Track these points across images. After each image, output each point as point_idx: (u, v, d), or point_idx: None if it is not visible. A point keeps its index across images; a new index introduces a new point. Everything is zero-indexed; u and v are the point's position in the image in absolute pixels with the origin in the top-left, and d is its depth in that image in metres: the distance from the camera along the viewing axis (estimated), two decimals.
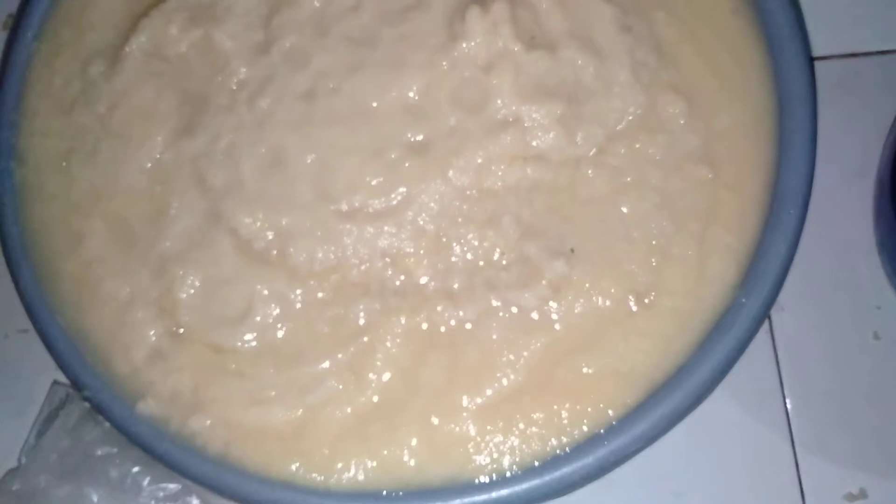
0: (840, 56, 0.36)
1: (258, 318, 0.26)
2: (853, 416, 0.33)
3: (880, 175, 0.30)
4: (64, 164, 0.29)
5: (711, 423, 0.31)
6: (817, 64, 0.36)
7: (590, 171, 0.27)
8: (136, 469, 0.34)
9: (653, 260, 0.26)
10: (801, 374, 0.33)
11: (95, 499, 0.33)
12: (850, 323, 0.33)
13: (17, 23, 0.30)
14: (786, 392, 0.32)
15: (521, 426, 0.25)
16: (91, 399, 0.27)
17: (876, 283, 0.33)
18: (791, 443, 0.32)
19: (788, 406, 0.32)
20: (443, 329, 0.26)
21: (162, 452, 0.26)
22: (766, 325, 0.33)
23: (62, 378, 0.34)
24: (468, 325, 0.26)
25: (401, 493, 0.25)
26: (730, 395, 0.32)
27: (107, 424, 0.32)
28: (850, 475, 0.33)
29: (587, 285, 0.26)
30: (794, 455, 0.33)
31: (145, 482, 0.34)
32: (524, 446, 0.25)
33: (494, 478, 0.24)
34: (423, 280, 0.26)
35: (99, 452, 0.34)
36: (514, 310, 0.26)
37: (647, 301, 0.26)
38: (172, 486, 0.34)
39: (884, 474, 0.34)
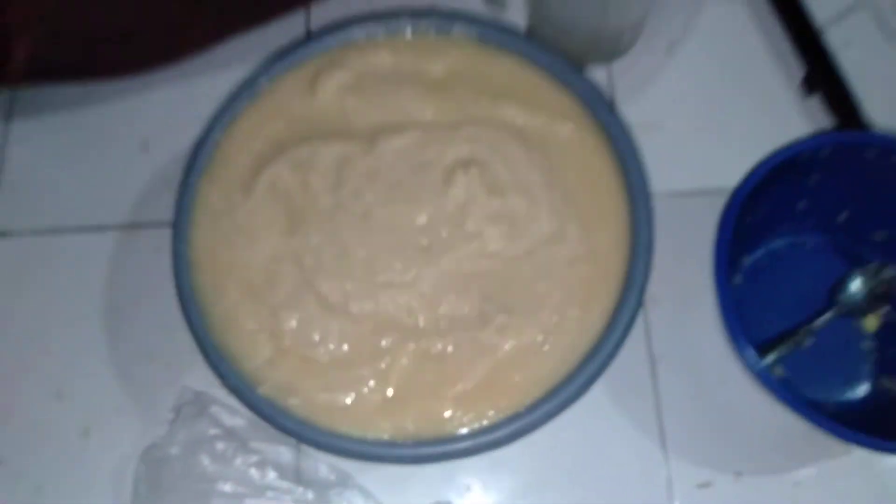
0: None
1: (330, 344, 0.46)
2: (708, 423, 0.53)
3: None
4: (214, 249, 0.49)
5: (595, 421, 0.51)
6: (661, 198, 0.57)
7: (522, 264, 0.48)
8: (234, 445, 0.52)
9: (555, 317, 0.46)
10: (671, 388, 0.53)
11: (206, 462, 0.52)
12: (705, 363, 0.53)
13: (190, 166, 0.51)
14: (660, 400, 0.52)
15: (477, 408, 0.45)
16: (230, 386, 0.46)
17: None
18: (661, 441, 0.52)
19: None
20: (433, 352, 0.46)
21: (269, 416, 0.45)
22: (644, 344, 0.53)
23: (189, 384, 0.53)
24: (449, 349, 0.46)
25: (408, 442, 0.44)
26: (612, 402, 0.51)
27: (215, 415, 0.51)
28: (701, 469, 0.52)
29: (518, 329, 0.46)
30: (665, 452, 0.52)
31: (239, 453, 0.52)
32: (478, 418, 0.44)
33: (462, 433, 0.44)
34: (422, 323, 0.46)
35: (210, 432, 0.53)
36: (475, 342, 0.46)
37: (551, 339, 0.46)
38: (255, 458, 0.52)
39: (724, 469, 0.53)
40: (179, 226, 0.49)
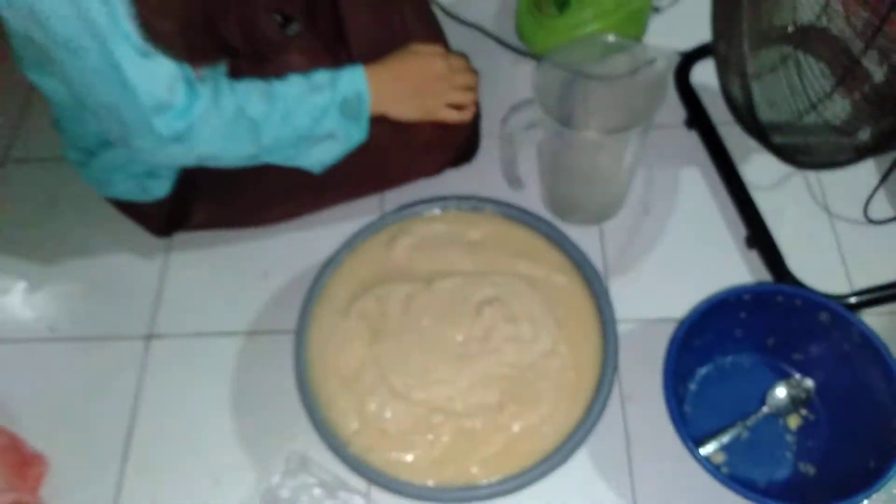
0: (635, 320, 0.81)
1: (397, 421, 0.69)
2: (671, 486, 0.72)
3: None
4: (321, 353, 0.73)
5: (580, 483, 0.71)
6: (638, 322, 0.80)
7: (528, 371, 0.70)
8: (326, 491, 0.74)
9: (550, 407, 0.68)
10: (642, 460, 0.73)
11: (306, 503, 0.73)
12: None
13: (308, 296, 0.76)
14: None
15: (495, 467, 0.66)
16: (329, 445, 0.68)
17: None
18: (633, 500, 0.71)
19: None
20: (466, 427, 0.68)
21: (355, 468, 0.67)
22: (622, 428, 0.74)
23: (295, 448, 0.76)
24: (477, 426, 0.68)
25: (448, 488, 0.65)
26: (595, 469, 0.72)
27: (313, 470, 0.73)
28: None
29: (525, 415, 0.68)
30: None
31: (329, 498, 0.74)
32: (496, 474, 0.66)
33: (484, 483, 0.65)
34: (459, 408, 0.69)
35: (309, 481, 0.74)
36: (495, 423, 0.68)
37: (548, 422, 0.68)
38: (340, 501, 0.74)
39: None
40: (300, 336, 0.73)
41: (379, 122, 0.75)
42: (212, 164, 0.70)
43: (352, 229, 0.81)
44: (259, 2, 0.73)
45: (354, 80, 0.72)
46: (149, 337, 0.87)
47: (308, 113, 0.69)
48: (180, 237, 0.93)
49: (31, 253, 0.95)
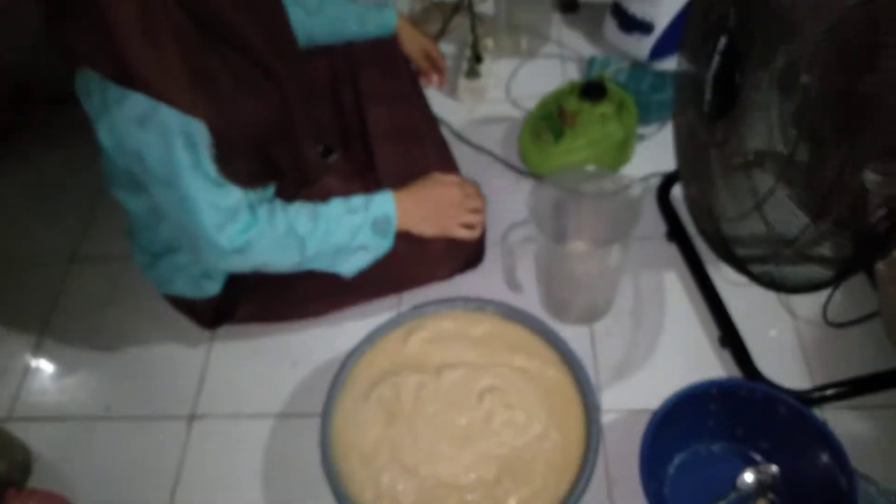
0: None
1: (408, 493, 0.79)
2: None
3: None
4: (343, 433, 0.84)
5: None
6: (623, 412, 0.90)
7: (522, 451, 0.81)
8: None
9: (540, 483, 0.78)
10: None
11: None
12: None
13: (333, 384, 0.88)
14: None
15: None
16: None
17: None
18: None
19: None
20: (468, 499, 0.78)
21: None
22: (605, 495, 0.83)
23: None
24: (477, 498, 0.78)
25: None
26: None
27: None
28: None
29: (519, 490, 0.79)
30: None
31: None
32: None
33: None
34: (462, 482, 0.79)
35: None
36: (493, 496, 0.78)
37: (538, 497, 0.78)
38: None
39: None
40: (325, 417, 0.85)
41: (400, 237, 0.90)
42: (264, 270, 0.84)
43: (373, 325, 0.94)
44: (306, 136, 0.90)
45: (384, 204, 0.88)
46: (191, 417, 0.99)
47: (345, 230, 0.85)
48: (223, 329, 1.06)
49: (92, 339, 1.09)
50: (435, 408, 0.84)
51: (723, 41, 0.82)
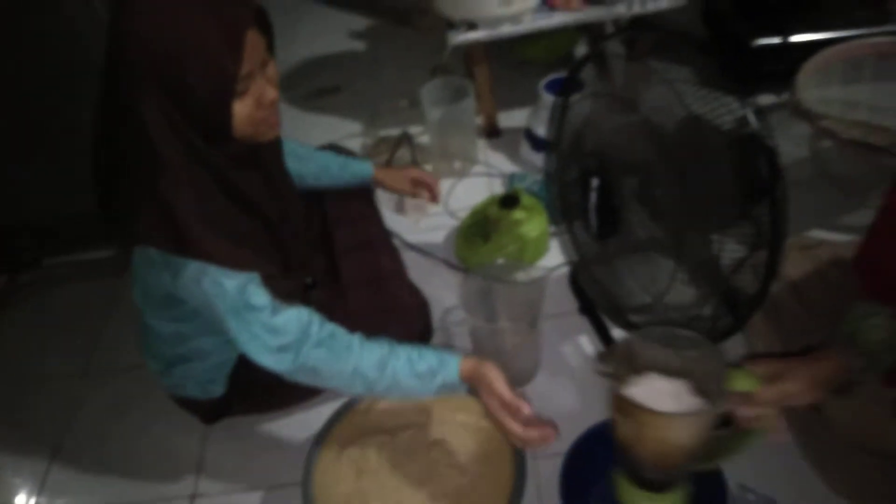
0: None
1: None
2: None
3: None
4: (322, 485, 1.04)
5: None
6: (543, 460, 1.11)
7: (465, 488, 1.01)
8: None
9: None
10: None
11: None
12: None
13: (309, 457, 1.08)
14: None
15: None
16: None
17: None
18: None
19: None
20: None
21: None
22: None
23: None
24: None
25: None
26: None
27: None
28: None
29: None
30: None
31: None
32: None
33: None
34: None
35: None
36: None
37: None
38: None
39: None
40: (306, 478, 1.04)
41: (353, 319, 1.08)
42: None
43: (341, 403, 1.15)
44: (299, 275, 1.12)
45: (451, 378, 0.93)
46: (193, 497, 1.18)
47: (412, 389, 0.93)
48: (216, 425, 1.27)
49: (103, 438, 1.29)
50: (394, 461, 1.05)
51: (595, 181, 1.07)
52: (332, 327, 0.93)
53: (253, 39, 0.79)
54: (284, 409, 1.25)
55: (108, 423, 1.32)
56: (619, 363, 0.82)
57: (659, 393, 0.80)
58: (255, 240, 0.94)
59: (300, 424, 1.23)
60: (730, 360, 0.98)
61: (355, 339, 0.93)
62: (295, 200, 1.07)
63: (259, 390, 1.16)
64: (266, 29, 0.85)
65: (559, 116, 1.16)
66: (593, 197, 1.08)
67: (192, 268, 0.84)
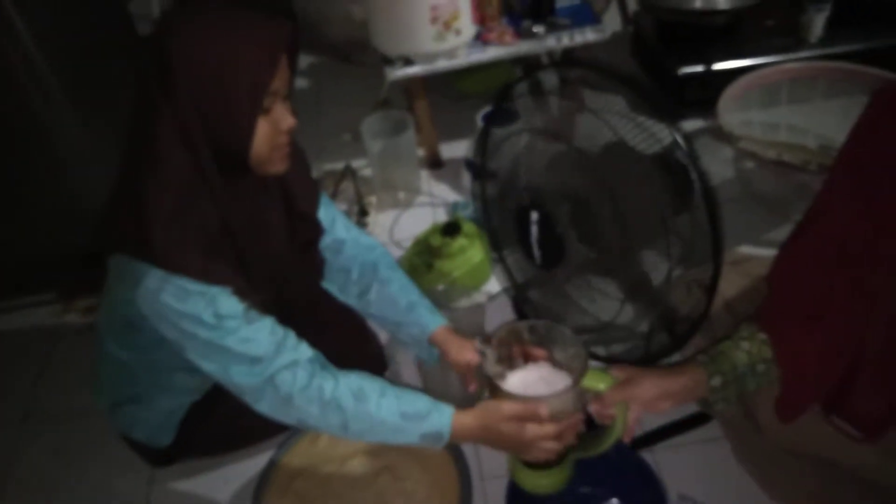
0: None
1: None
2: None
3: None
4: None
5: None
6: (492, 480, 1.12)
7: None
8: None
9: None
10: None
11: None
12: None
13: (259, 481, 1.07)
14: None
15: None
16: None
17: None
18: None
19: None
20: None
21: None
22: None
23: None
24: None
25: None
26: None
27: None
28: None
29: None
30: None
31: None
32: None
33: None
34: None
35: None
36: None
37: None
38: None
39: None
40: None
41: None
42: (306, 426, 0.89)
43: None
44: None
45: (440, 421, 0.87)
46: None
47: (391, 431, 0.87)
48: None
49: (45, 485, 1.25)
50: (341, 491, 1.05)
51: (535, 215, 1.09)
52: (307, 348, 0.89)
53: (284, 63, 0.83)
54: (232, 451, 1.23)
55: (50, 470, 1.29)
56: (503, 348, 0.93)
57: (539, 379, 0.91)
58: (228, 258, 0.88)
59: (249, 462, 1.21)
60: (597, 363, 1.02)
61: (333, 368, 0.88)
62: (284, 249, 1.01)
63: (209, 441, 1.14)
64: (292, 64, 0.87)
65: (482, 143, 1.20)
66: (535, 230, 1.10)
67: (154, 277, 0.81)
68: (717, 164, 1.63)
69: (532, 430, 0.85)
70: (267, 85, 0.80)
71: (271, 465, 1.09)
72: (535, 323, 0.93)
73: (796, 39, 1.77)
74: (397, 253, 1.60)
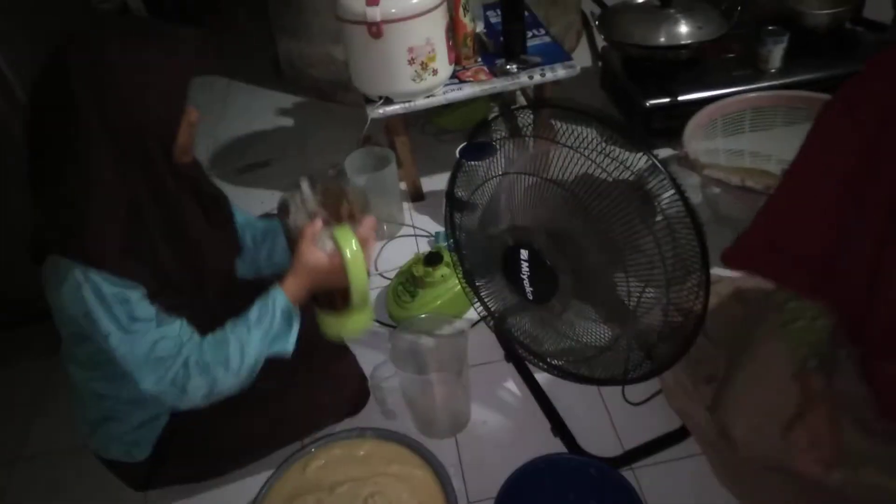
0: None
1: None
2: None
3: None
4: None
5: None
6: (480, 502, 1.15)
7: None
8: None
9: None
10: None
11: None
12: None
13: None
14: None
15: None
16: None
17: None
18: None
19: None
20: None
21: None
22: None
23: None
24: None
25: None
26: None
27: None
28: None
29: None
30: None
31: None
32: None
33: None
34: None
35: None
36: None
37: None
38: None
39: None
40: None
41: (292, 397, 1.16)
42: (214, 397, 0.99)
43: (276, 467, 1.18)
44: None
45: (280, 303, 1.02)
46: None
47: (264, 342, 1.00)
48: (156, 492, 1.27)
49: None
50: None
51: (525, 253, 1.13)
52: (200, 342, 0.98)
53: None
54: (219, 476, 1.26)
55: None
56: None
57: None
58: (145, 256, 0.94)
59: (239, 492, 1.24)
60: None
61: (211, 340, 0.99)
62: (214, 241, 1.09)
63: (187, 456, 1.17)
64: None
65: (454, 175, 1.25)
66: (524, 267, 1.14)
67: (76, 272, 0.87)
68: (687, 191, 1.70)
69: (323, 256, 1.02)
70: (186, 98, 0.92)
71: (262, 495, 1.12)
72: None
73: (756, 70, 1.87)
74: (382, 282, 1.64)
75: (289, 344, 1.04)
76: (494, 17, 1.92)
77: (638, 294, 1.06)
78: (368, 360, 1.37)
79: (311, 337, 1.22)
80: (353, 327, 1.09)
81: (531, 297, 1.16)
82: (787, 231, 1.01)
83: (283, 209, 1.10)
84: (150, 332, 0.92)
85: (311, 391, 1.22)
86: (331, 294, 1.09)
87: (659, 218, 0.99)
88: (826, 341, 1.03)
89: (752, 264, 1.07)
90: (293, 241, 1.06)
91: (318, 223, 1.04)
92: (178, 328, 0.96)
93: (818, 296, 1.00)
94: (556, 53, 1.78)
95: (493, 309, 1.34)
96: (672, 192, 0.94)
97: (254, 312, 1.01)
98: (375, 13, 1.51)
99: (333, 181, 1.13)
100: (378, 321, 1.55)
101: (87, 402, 1.11)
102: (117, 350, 0.92)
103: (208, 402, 0.99)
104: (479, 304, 1.33)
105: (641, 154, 0.94)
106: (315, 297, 1.09)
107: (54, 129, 0.87)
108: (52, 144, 0.88)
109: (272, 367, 1.17)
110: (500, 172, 1.15)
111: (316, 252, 1.02)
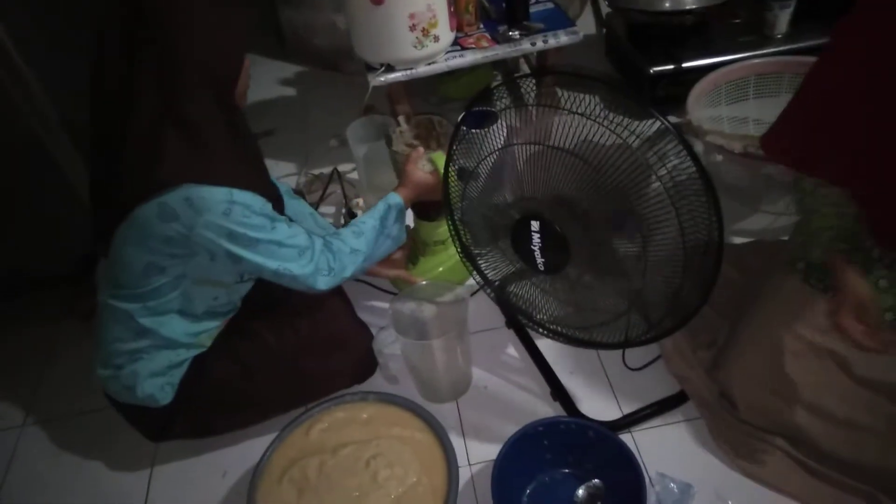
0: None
1: None
2: None
3: None
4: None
5: None
6: (477, 465, 1.18)
7: (403, 497, 1.07)
8: None
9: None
10: None
11: None
12: None
13: (254, 474, 1.12)
14: None
15: None
16: None
17: None
18: None
19: None
20: None
21: None
22: None
23: None
24: None
25: None
26: None
27: None
28: None
29: None
30: None
31: None
32: None
33: None
34: None
35: None
36: None
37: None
38: None
39: None
40: (250, 501, 1.08)
41: (310, 362, 1.19)
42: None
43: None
44: None
45: (396, 203, 1.28)
46: None
47: (386, 238, 1.25)
48: (162, 453, 1.30)
49: (41, 487, 1.30)
50: (334, 478, 1.10)
51: (535, 224, 1.12)
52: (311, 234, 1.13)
53: None
54: (227, 431, 1.28)
55: (49, 470, 1.33)
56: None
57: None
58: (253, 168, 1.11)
59: (244, 453, 1.27)
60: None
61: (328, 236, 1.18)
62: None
63: (206, 405, 1.20)
64: None
65: (451, 143, 1.25)
66: (535, 238, 1.13)
67: (221, 195, 0.95)
68: None
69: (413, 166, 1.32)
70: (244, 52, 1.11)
71: (265, 458, 1.14)
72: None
73: (762, 36, 1.85)
74: None
75: (402, 233, 1.29)
76: None
77: (634, 254, 1.07)
78: (371, 325, 1.39)
79: (329, 310, 1.27)
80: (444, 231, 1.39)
81: (542, 269, 1.16)
82: (822, 118, 1.00)
83: (388, 140, 1.55)
84: (284, 228, 1.05)
85: (325, 359, 1.25)
86: (426, 205, 1.41)
87: (668, 178, 0.99)
88: (853, 228, 1.03)
89: (788, 152, 1.08)
90: (398, 164, 1.49)
91: (420, 150, 1.34)
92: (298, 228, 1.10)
93: (850, 184, 0.99)
94: (559, 20, 1.76)
95: (491, 277, 1.35)
96: (681, 149, 0.94)
97: (373, 210, 1.25)
98: None
99: (425, 116, 1.54)
100: (379, 288, 1.56)
101: (118, 337, 1.11)
102: (270, 254, 1.04)
103: (333, 286, 1.15)
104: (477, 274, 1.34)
105: (649, 119, 0.93)
106: (414, 207, 1.41)
107: (143, 72, 0.93)
108: (146, 86, 0.94)
109: (291, 329, 1.23)
110: (503, 141, 1.15)
111: (419, 171, 1.31)
